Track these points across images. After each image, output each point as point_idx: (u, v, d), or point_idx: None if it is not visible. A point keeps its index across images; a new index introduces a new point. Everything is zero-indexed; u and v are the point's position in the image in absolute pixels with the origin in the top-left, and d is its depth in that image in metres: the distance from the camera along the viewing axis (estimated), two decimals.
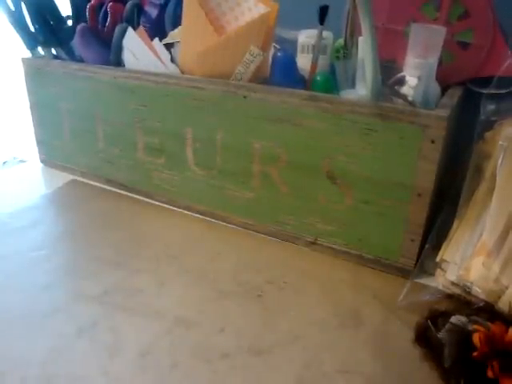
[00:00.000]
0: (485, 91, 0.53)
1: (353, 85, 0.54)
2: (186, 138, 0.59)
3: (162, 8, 0.65)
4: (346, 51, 0.57)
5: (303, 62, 0.58)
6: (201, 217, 0.63)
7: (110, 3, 0.63)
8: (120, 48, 0.62)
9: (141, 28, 0.62)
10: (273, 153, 0.54)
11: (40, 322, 0.44)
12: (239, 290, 0.49)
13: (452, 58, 0.56)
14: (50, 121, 0.74)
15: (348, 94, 0.52)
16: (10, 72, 0.99)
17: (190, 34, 0.57)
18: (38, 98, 0.74)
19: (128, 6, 0.64)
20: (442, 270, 0.48)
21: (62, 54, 0.70)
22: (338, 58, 0.59)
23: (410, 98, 0.47)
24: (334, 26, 0.56)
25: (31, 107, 0.75)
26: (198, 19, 0.54)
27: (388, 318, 0.45)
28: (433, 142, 0.44)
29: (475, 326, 0.37)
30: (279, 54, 0.55)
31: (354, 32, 0.55)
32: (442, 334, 0.38)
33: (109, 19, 0.64)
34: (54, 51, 0.71)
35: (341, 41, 0.58)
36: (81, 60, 0.68)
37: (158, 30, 0.63)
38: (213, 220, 0.62)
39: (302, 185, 0.53)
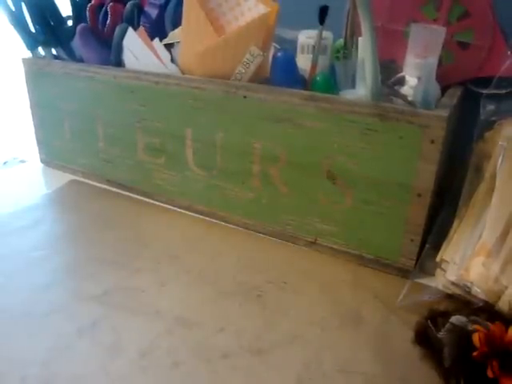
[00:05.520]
0: (484, 91, 0.53)
1: (353, 85, 0.54)
2: (186, 138, 0.60)
3: (162, 8, 0.65)
4: (346, 51, 0.57)
5: (303, 62, 0.58)
6: (201, 217, 0.63)
7: (110, 3, 0.63)
8: (120, 48, 0.62)
9: (141, 28, 0.62)
10: (273, 153, 0.54)
11: (40, 322, 0.44)
12: (239, 290, 0.49)
13: (452, 58, 0.56)
14: (50, 121, 0.74)
15: (348, 94, 0.51)
16: (11, 72, 0.99)
17: (190, 34, 0.57)
18: (38, 98, 0.74)
19: (128, 6, 0.64)
20: (442, 269, 0.48)
21: (63, 54, 0.70)
22: (338, 58, 0.59)
23: (409, 98, 0.47)
24: (334, 26, 0.56)
25: (31, 107, 0.75)
26: (198, 19, 0.54)
27: (388, 318, 0.45)
28: (432, 142, 0.44)
29: (475, 326, 0.37)
30: (279, 54, 0.55)
31: (354, 32, 0.55)
32: (441, 334, 0.38)
33: (109, 19, 0.64)
34: (54, 51, 0.71)
35: (341, 41, 0.58)
36: (81, 60, 0.68)
37: (158, 30, 0.64)
38: (213, 220, 0.62)
39: (301, 185, 0.54)
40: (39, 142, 0.78)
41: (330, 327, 0.44)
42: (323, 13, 0.53)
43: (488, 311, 0.41)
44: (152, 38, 0.61)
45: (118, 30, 0.61)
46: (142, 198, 0.68)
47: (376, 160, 0.48)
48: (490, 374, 0.34)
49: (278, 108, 0.51)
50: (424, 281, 0.49)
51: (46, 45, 0.70)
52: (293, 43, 0.60)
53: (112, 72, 0.62)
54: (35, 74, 0.72)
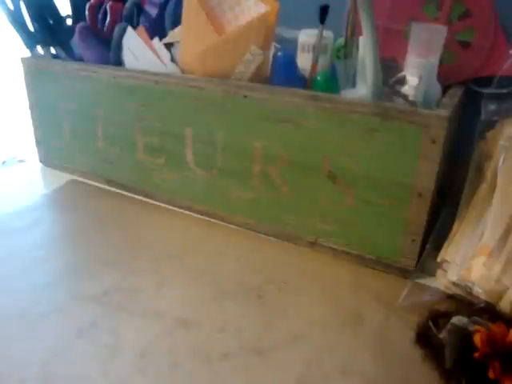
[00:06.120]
0: (486, 91, 0.53)
1: (353, 84, 0.54)
2: (186, 137, 0.59)
3: (162, 7, 0.64)
4: (346, 51, 0.57)
5: (304, 61, 0.58)
6: (201, 217, 0.63)
7: (110, 2, 0.63)
8: (120, 47, 0.62)
9: (141, 27, 0.62)
10: (273, 153, 0.54)
11: (40, 323, 0.44)
12: (239, 290, 0.49)
13: (453, 58, 0.56)
14: (49, 120, 0.74)
15: (349, 94, 0.51)
16: (10, 72, 0.98)
17: (190, 34, 0.56)
18: (37, 97, 0.73)
19: (128, 5, 0.63)
20: (443, 270, 0.48)
21: (62, 54, 0.70)
22: (338, 57, 0.59)
23: (410, 98, 0.47)
24: (335, 26, 0.56)
25: (31, 107, 0.75)
26: (198, 18, 0.54)
27: (389, 319, 0.45)
28: (433, 141, 0.44)
29: (476, 327, 0.37)
30: (280, 53, 0.55)
31: (354, 31, 0.55)
32: (442, 335, 0.38)
33: (108, 18, 0.64)
34: (53, 51, 0.71)
35: (341, 40, 0.58)
36: (80, 59, 0.67)
37: (157, 29, 0.63)
38: (213, 220, 0.62)
39: (302, 185, 0.53)
40: (38, 142, 0.78)
41: (331, 327, 0.44)
42: (324, 12, 0.53)
43: (489, 312, 0.40)
44: (152, 38, 0.61)
45: (117, 29, 0.61)
46: (141, 198, 0.68)
47: (377, 160, 0.47)
48: (491, 374, 0.34)
49: (279, 108, 0.51)
50: (425, 281, 0.49)
51: (45, 44, 0.70)
52: (293, 42, 0.60)
53: (111, 71, 0.62)
54: (34, 74, 0.72)
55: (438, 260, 0.48)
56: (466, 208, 0.50)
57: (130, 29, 0.60)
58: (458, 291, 0.45)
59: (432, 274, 0.49)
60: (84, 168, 0.73)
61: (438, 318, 0.40)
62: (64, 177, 0.75)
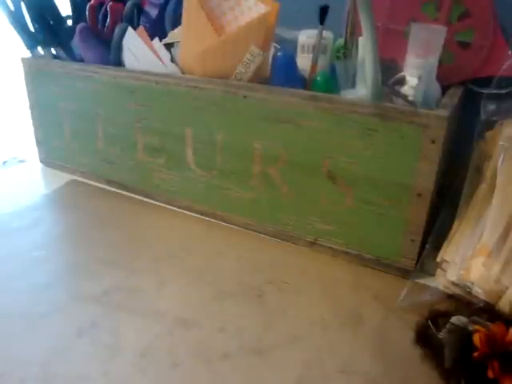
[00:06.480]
0: (485, 91, 0.53)
1: (353, 85, 0.54)
2: (186, 138, 0.59)
3: (162, 8, 0.65)
4: (346, 51, 0.57)
5: (303, 61, 0.58)
6: (201, 217, 0.63)
7: (110, 3, 0.63)
8: (120, 48, 0.62)
9: (141, 28, 0.62)
10: (273, 153, 0.54)
11: (40, 322, 0.44)
12: (239, 290, 0.49)
13: (452, 58, 0.56)
14: (49, 121, 0.74)
15: (348, 94, 0.51)
16: (10, 72, 0.99)
17: (190, 34, 0.57)
18: (37, 97, 0.73)
19: (128, 5, 0.64)
20: (443, 270, 0.48)
21: (62, 54, 0.70)
22: (338, 57, 0.59)
23: (410, 98, 0.47)
24: (335, 26, 0.56)
25: (31, 107, 0.75)
26: (198, 19, 0.54)
27: (388, 319, 0.45)
28: (433, 142, 0.44)
29: (475, 327, 0.37)
30: (279, 53, 0.55)
31: (354, 32, 0.55)
32: (442, 334, 0.38)
33: (109, 19, 0.64)
34: (53, 51, 0.71)
35: (341, 41, 0.58)
36: (81, 60, 0.68)
37: (157, 29, 0.63)
38: (213, 220, 0.62)
39: (302, 185, 0.53)
40: (39, 142, 0.78)
41: (331, 327, 0.44)
42: (323, 12, 0.53)
43: (488, 311, 0.41)
44: (152, 38, 0.61)
45: (117, 29, 0.61)
46: (141, 198, 0.68)
47: (376, 160, 0.47)
48: (490, 374, 0.34)
49: (279, 108, 0.51)
50: (424, 281, 0.49)
51: (46, 44, 0.70)
52: (293, 43, 0.60)
53: (112, 72, 0.62)
54: (35, 74, 0.72)
55: (438, 260, 0.49)
56: (466, 208, 0.50)
57: (130, 29, 0.60)
58: (457, 291, 0.45)
59: (431, 274, 0.49)
60: (84, 168, 0.73)
61: (437, 317, 0.40)
62: (64, 177, 0.75)
